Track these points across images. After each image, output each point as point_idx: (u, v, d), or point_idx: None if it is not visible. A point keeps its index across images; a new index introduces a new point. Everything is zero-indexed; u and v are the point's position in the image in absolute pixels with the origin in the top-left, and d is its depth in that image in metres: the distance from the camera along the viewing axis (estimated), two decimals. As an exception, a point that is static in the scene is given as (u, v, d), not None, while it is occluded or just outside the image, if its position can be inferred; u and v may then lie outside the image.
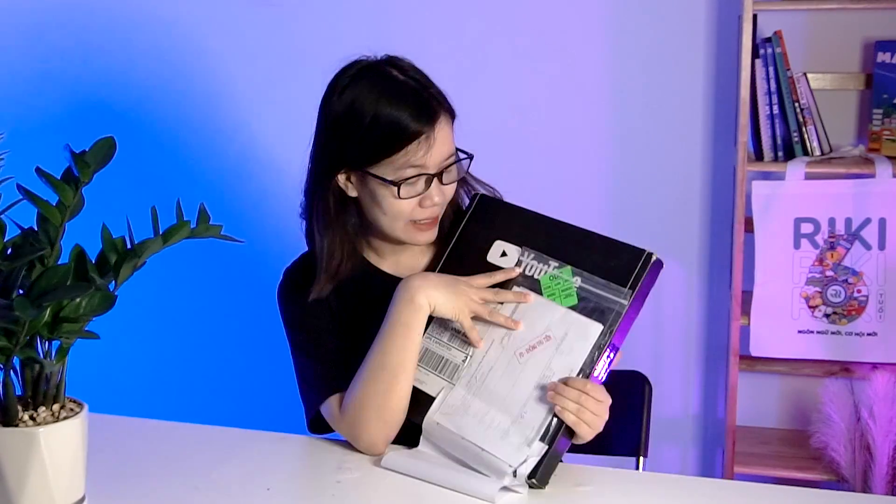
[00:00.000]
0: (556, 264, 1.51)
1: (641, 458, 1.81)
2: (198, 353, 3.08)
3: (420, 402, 1.51)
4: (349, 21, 2.82)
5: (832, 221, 2.44)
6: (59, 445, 1.25)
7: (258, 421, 1.85)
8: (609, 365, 1.45)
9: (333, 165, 1.56)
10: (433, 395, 1.50)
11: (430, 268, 1.65)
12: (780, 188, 2.44)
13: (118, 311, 1.27)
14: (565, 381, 1.42)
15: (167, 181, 2.97)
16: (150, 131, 2.97)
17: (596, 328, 1.44)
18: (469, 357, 1.51)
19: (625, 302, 1.44)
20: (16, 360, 1.25)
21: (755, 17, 2.39)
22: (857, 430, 2.43)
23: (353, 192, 1.59)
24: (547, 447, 1.40)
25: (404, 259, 1.67)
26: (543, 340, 1.46)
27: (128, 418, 1.72)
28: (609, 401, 1.43)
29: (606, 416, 1.43)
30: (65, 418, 1.26)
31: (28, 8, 3.04)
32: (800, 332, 2.50)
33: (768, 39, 2.44)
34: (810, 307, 2.48)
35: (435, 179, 1.54)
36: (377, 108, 1.51)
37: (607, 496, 1.41)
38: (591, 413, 1.40)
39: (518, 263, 1.54)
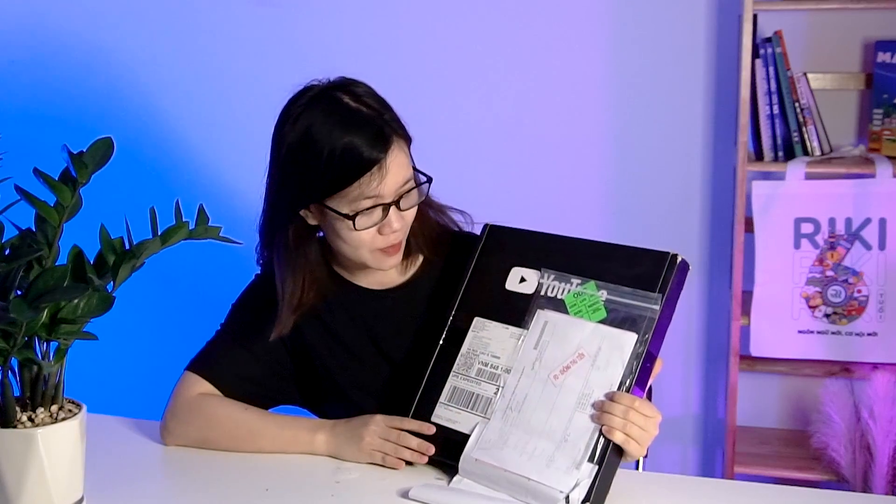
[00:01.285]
0: (579, 281, 1.47)
1: (641, 458, 1.81)
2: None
3: (454, 441, 1.45)
4: (349, 22, 2.82)
5: (832, 221, 2.44)
6: (57, 446, 1.25)
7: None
8: (649, 374, 1.41)
9: (293, 201, 1.53)
10: (467, 432, 1.45)
11: (411, 285, 1.65)
12: (780, 188, 2.44)
13: (116, 312, 1.27)
14: (611, 397, 1.38)
15: (166, 182, 2.97)
16: (148, 131, 2.97)
17: (630, 338, 1.40)
18: (501, 388, 1.46)
19: (656, 307, 1.40)
20: (14, 362, 1.24)
21: (755, 17, 2.39)
22: (857, 431, 2.43)
23: (313, 221, 1.56)
24: (597, 467, 1.35)
25: (376, 276, 1.65)
26: (577, 359, 1.42)
27: (127, 419, 1.72)
28: (658, 416, 1.39)
29: (656, 432, 1.39)
30: (63, 419, 1.26)
31: (26, 9, 3.04)
32: (800, 332, 2.50)
33: (768, 39, 2.44)
34: (810, 307, 2.48)
35: (392, 207, 1.51)
36: (330, 139, 1.46)
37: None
38: (639, 429, 1.36)
39: (538, 286, 1.50)
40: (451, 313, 1.56)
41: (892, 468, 2.41)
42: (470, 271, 1.58)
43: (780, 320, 2.49)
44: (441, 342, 1.55)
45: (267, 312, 1.62)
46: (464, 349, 1.52)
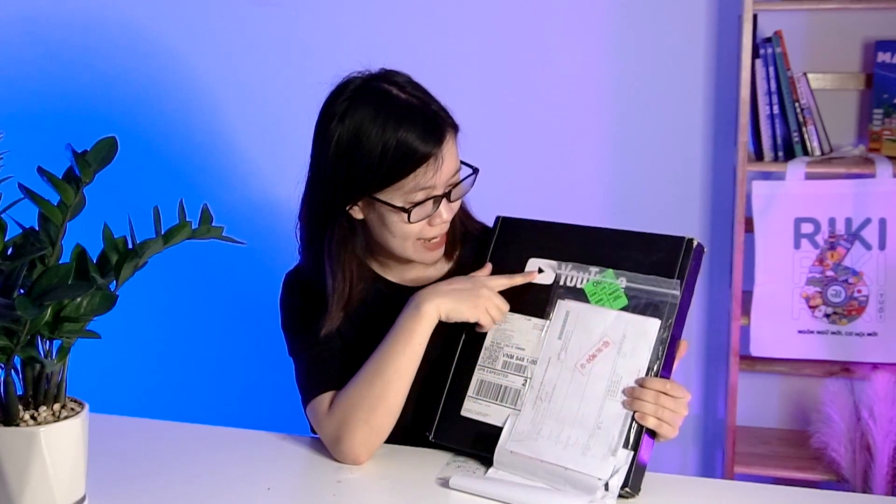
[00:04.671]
0: (597, 270, 1.48)
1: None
2: (198, 353, 3.08)
3: (487, 435, 1.46)
4: (349, 21, 2.83)
5: (832, 221, 2.44)
6: (59, 445, 1.25)
7: (258, 421, 1.85)
8: (674, 357, 1.43)
9: (344, 197, 1.52)
10: (500, 425, 1.46)
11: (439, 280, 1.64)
12: (780, 188, 2.44)
13: (119, 311, 1.27)
14: (641, 383, 1.39)
15: (170, 182, 2.97)
16: (150, 132, 2.97)
17: (653, 324, 1.42)
18: (529, 380, 1.47)
19: (676, 293, 1.42)
20: (17, 360, 1.25)
21: (755, 17, 2.39)
22: (857, 431, 2.43)
23: (359, 215, 1.55)
24: (632, 453, 1.37)
25: (410, 272, 1.65)
26: (602, 347, 1.43)
27: (128, 418, 1.71)
28: (688, 396, 1.41)
29: (686, 412, 1.41)
30: (65, 418, 1.26)
31: (29, 8, 3.04)
32: (800, 332, 2.50)
33: (768, 39, 2.44)
34: (810, 307, 2.48)
35: (443, 198, 1.52)
36: (383, 133, 1.45)
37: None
38: (671, 412, 1.37)
39: (557, 277, 1.51)
40: None
41: (892, 468, 2.41)
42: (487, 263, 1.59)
43: (780, 320, 2.49)
44: (464, 336, 1.55)
45: (316, 309, 1.60)
46: (487, 342, 1.53)
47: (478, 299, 1.50)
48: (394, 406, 1.51)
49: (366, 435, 1.50)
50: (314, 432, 1.63)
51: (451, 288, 1.51)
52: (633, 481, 1.37)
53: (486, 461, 1.47)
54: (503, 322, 1.52)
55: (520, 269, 1.55)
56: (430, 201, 1.50)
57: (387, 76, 1.53)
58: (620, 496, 1.37)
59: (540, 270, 1.53)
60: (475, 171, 1.56)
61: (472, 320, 1.50)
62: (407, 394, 1.52)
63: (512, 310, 1.53)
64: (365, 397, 1.50)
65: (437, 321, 1.51)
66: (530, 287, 1.53)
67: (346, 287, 1.57)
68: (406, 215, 1.49)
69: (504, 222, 1.61)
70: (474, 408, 1.50)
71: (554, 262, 1.52)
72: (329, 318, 1.56)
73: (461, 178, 1.54)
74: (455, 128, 1.53)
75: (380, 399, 1.49)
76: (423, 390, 1.56)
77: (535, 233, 1.57)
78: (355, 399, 1.50)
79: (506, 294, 1.54)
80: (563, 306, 1.49)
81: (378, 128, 1.46)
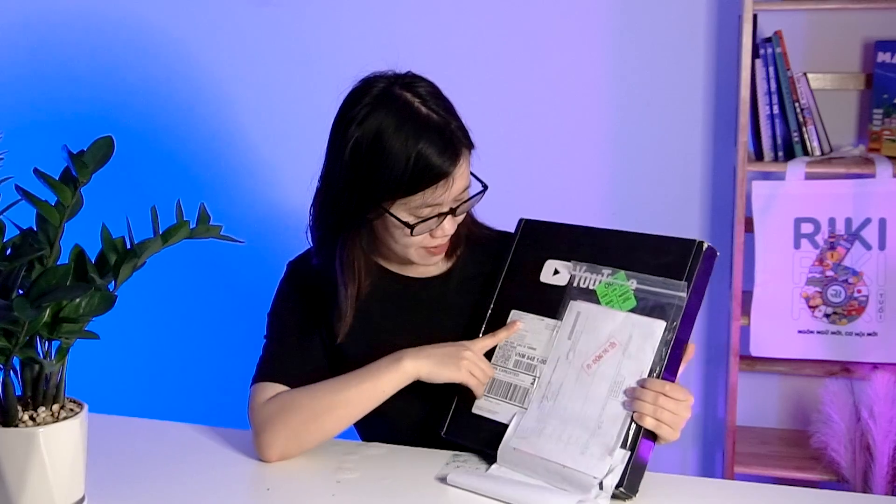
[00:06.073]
0: (609, 271, 1.49)
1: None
2: (198, 353, 3.07)
3: (492, 432, 1.48)
4: (350, 21, 2.82)
5: (832, 221, 2.44)
6: (58, 445, 1.25)
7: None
8: (679, 360, 1.44)
9: (358, 204, 1.51)
10: (506, 422, 1.48)
11: (445, 276, 1.66)
12: (780, 188, 2.44)
13: (118, 312, 1.27)
14: (642, 384, 1.40)
15: (167, 182, 2.97)
16: (149, 132, 2.97)
17: (659, 325, 1.43)
18: (537, 379, 1.49)
19: (683, 294, 1.43)
20: (16, 361, 1.25)
21: (755, 17, 2.39)
22: (857, 431, 2.43)
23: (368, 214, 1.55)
24: (629, 453, 1.38)
25: (411, 267, 1.65)
26: (609, 348, 1.44)
27: (128, 418, 1.72)
28: (690, 399, 1.41)
29: (688, 415, 1.40)
30: (64, 418, 1.26)
31: (28, 8, 3.04)
32: (800, 332, 2.50)
33: (768, 39, 2.44)
34: (810, 307, 2.48)
35: (448, 214, 1.52)
36: (402, 148, 1.45)
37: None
38: (670, 413, 1.37)
39: (571, 278, 1.52)
40: (490, 307, 1.58)
41: (892, 468, 2.41)
42: (507, 266, 1.60)
43: (780, 320, 2.49)
44: (480, 336, 1.57)
45: (307, 302, 1.61)
46: (501, 342, 1.55)
47: (461, 361, 1.50)
48: (327, 430, 1.52)
49: (288, 441, 1.52)
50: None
51: (436, 351, 1.52)
52: (628, 482, 1.37)
53: (492, 458, 1.48)
54: (521, 325, 1.55)
55: (538, 269, 1.56)
56: (435, 217, 1.51)
57: (411, 85, 1.52)
58: (615, 496, 1.37)
59: (556, 271, 1.55)
60: (485, 188, 1.56)
61: (457, 381, 1.50)
62: (345, 428, 1.53)
63: (527, 310, 1.55)
64: (305, 408, 1.51)
65: (412, 379, 1.51)
66: (545, 288, 1.54)
67: (356, 288, 1.58)
68: (410, 230, 1.50)
69: (526, 224, 1.63)
70: (485, 405, 1.52)
71: (569, 264, 1.54)
72: (343, 323, 1.57)
73: (469, 195, 1.54)
74: (470, 147, 1.53)
75: (317, 418, 1.51)
76: (436, 388, 1.56)
77: (553, 234, 1.59)
78: (296, 405, 1.52)
79: (521, 295, 1.56)
80: (575, 307, 1.50)
81: (398, 141, 1.45)
